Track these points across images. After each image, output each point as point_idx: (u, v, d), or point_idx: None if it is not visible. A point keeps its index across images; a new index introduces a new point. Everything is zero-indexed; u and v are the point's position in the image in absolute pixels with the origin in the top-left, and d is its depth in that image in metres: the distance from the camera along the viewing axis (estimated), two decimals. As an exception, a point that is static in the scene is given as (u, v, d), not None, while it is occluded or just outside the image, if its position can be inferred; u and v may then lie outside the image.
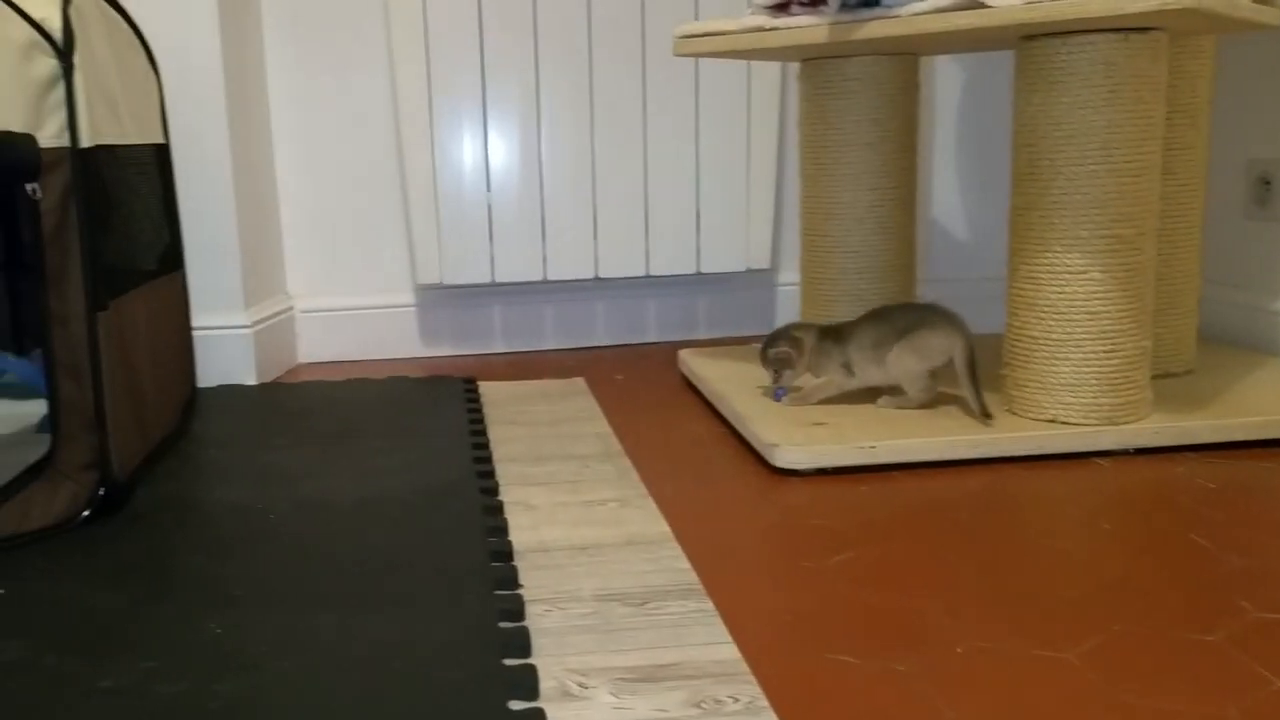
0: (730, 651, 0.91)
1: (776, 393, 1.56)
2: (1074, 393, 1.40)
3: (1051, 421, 1.41)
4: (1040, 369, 1.41)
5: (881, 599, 1.01)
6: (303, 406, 1.72)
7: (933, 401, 1.49)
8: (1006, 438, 1.38)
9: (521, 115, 2.02)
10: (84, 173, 1.21)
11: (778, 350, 1.53)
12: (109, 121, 1.31)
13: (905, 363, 1.46)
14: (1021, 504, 1.25)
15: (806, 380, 1.55)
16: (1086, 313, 1.38)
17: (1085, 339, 1.38)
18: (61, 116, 1.19)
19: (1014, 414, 1.45)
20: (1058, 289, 1.38)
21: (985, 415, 1.41)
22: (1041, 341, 1.41)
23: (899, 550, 1.12)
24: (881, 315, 1.51)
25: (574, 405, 1.72)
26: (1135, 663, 0.88)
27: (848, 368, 1.50)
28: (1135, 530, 1.16)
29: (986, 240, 2.27)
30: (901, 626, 0.95)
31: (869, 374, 1.49)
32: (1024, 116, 1.41)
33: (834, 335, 1.52)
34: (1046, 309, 1.40)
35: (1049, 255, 1.39)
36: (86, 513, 1.23)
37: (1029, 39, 1.39)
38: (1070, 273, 1.37)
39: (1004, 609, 0.98)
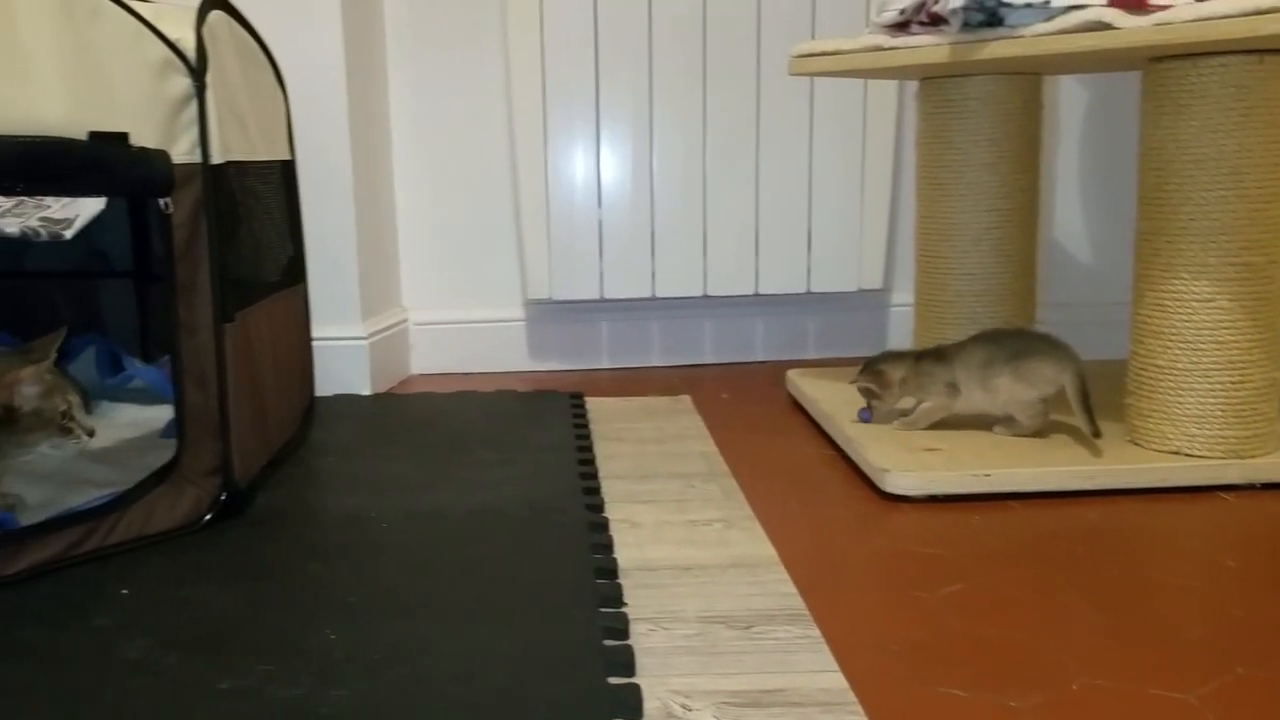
0: (837, 680, 0.90)
1: (861, 414, 1.55)
2: (1199, 424, 1.35)
3: (1175, 454, 1.36)
4: (1165, 399, 1.37)
5: (994, 632, 0.99)
6: (415, 418, 1.75)
7: (1046, 428, 1.45)
8: (1128, 469, 1.34)
9: (634, 132, 2.03)
10: (214, 188, 1.25)
11: (858, 384, 1.53)
12: (238, 138, 1.35)
13: (1014, 390, 1.43)
14: (1141, 538, 1.21)
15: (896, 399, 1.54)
16: (1214, 342, 1.33)
17: (1212, 369, 1.34)
18: (194, 134, 1.23)
19: (1136, 445, 1.41)
20: (1184, 317, 1.34)
21: (1095, 435, 1.38)
22: (1167, 371, 1.36)
23: (1013, 582, 1.10)
24: (991, 337, 1.48)
25: (680, 423, 1.72)
26: (1259, 708, 0.85)
27: (953, 387, 1.47)
28: (1261, 569, 1.12)
29: (1110, 265, 2.21)
30: (1014, 661, 0.93)
31: (973, 396, 1.46)
32: (1151, 139, 1.37)
33: (935, 356, 1.49)
34: (1172, 337, 1.35)
35: (1176, 282, 1.34)
36: (208, 517, 1.27)
37: (1157, 60, 1.35)
38: (1198, 300, 1.33)
39: (1122, 646, 0.95)
